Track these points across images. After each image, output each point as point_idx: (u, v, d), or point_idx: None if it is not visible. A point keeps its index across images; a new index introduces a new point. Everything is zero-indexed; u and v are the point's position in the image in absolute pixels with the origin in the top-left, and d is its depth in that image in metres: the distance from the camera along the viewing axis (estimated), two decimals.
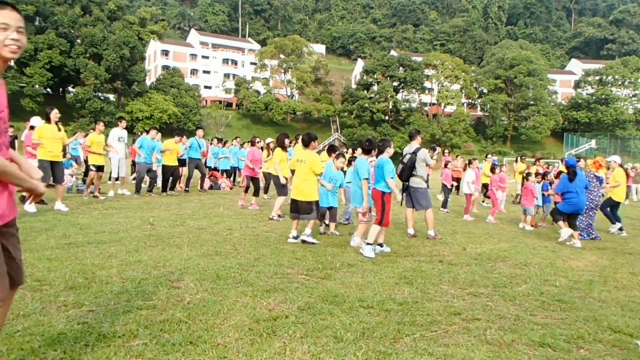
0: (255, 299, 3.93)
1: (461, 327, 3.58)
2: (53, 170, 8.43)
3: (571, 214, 7.90)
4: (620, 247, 7.88)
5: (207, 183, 14.47)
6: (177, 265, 4.87)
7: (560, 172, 10.96)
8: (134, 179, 15.79)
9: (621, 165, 9.83)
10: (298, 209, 6.65)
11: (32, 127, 9.47)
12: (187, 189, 13.11)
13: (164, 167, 11.96)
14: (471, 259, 6.17)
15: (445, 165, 12.74)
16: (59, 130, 8.54)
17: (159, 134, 14.19)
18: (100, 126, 10.52)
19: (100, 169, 10.41)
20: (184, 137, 12.96)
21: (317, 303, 3.92)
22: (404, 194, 7.96)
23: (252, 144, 11.12)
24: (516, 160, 15.54)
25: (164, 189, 12.16)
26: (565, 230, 7.84)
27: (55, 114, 8.47)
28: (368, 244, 6.01)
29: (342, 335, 3.25)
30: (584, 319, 3.90)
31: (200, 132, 13.56)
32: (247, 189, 10.42)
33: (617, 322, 3.87)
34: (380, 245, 6.34)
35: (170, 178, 12.25)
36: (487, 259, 6.17)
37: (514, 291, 4.65)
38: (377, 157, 6.72)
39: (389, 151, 6.60)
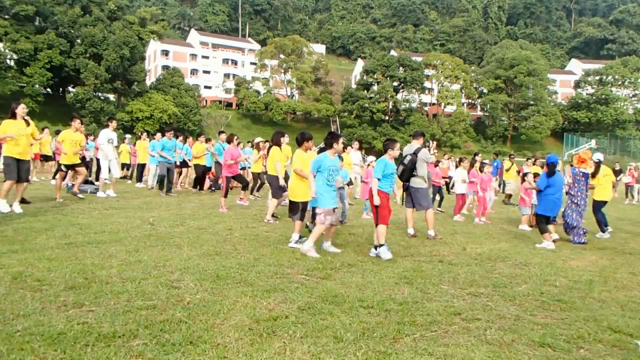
0: (255, 299, 3.93)
1: (461, 327, 3.58)
2: (19, 169, 7.83)
3: (550, 216, 7.77)
4: (620, 247, 7.88)
5: (207, 183, 14.48)
6: (177, 265, 4.87)
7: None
8: (122, 176, 15.88)
9: (597, 164, 9.28)
10: (289, 207, 6.68)
11: None
12: (214, 188, 13.90)
13: (196, 166, 13.01)
14: (471, 259, 6.17)
15: (436, 165, 12.74)
16: (28, 125, 7.91)
17: (159, 134, 14.30)
18: (76, 123, 9.83)
19: (71, 168, 9.88)
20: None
21: (317, 303, 3.92)
22: (405, 194, 7.97)
23: (229, 141, 10.40)
24: (528, 160, 15.09)
25: (201, 187, 13.42)
26: (547, 243, 7.53)
27: (21, 109, 7.84)
28: (379, 246, 5.93)
29: (342, 335, 3.25)
30: (584, 319, 3.90)
31: (223, 136, 13.67)
32: (226, 194, 9.79)
33: (617, 322, 3.87)
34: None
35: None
36: (487, 259, 6.17)
37: (514, 291, 4.65)
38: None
39: (391, 153, 6.38)
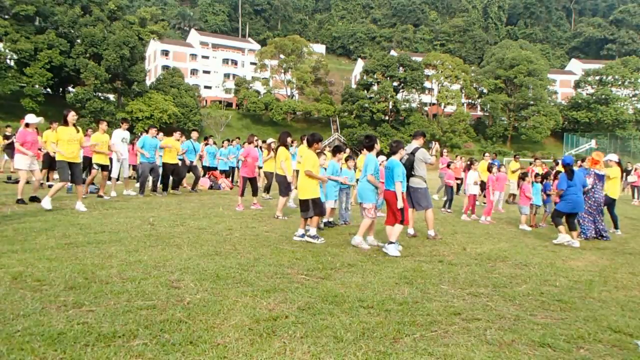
0: (255, 299, 3.93)
1: (461, 327, 3.58)
2: (72, 171, 8.55)
3: (570, 213, 7.88)
4: (620, 247, 7.88)
5: (207, 183, 14.48)
6: (177, 265, 4.87)
7: (558, 172, 10.90)
8: (132, 178, 15.82)
9: (619, 163, 9.74)
10: (300, 207, 6.88)
11: (27, 125, 9.33)
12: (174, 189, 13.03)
13: (164, 165, 12.00)
14: (471, 259, 6.17)
15: (448, 166, 12.88)
16: (77, 132, 8.65)
17: (160, 133, 14.24)
18: (104, 126, 10.83)
19: (104, 168, 10.68)
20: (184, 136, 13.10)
21: (317, 303, 3.92)
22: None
23: (249, 142, 10.78)
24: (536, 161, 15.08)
25: (164, 188, 12.20)
26: (563, 235, 7.76)
27: (72, 116, 8.55)
28: (391, 242, 6.18)
29: (342, 335, 3.25)
30: (584, 319, 3.90)
31: (194, 134, 13.86)
32: (243, 193, 9.99)
33: (617, 322, 3.87)
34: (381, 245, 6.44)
35: (167, 177, 12.27)
36: (487, 259, 6.17)
37: (514, 291, 4.65)
38: (388, 157, 6.82)
39: (402, 152, 6.68)
